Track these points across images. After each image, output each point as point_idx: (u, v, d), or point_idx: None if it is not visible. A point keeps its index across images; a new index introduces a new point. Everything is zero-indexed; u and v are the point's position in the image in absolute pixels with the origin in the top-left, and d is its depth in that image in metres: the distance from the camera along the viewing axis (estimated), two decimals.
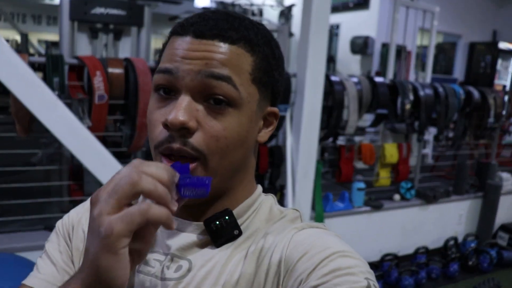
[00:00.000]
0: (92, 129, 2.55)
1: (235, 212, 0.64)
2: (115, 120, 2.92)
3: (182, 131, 0.56)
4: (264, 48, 0.62)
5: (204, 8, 8.50)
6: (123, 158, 3.08)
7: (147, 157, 3.23)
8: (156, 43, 13.68)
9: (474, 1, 8.21)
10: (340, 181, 3.67)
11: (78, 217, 0.75)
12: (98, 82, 2.55)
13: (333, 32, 8.11)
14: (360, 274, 0.53)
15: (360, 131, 4.45)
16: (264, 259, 0.59)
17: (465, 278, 3.85)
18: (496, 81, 8.33)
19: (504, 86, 8.24)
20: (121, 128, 2.85)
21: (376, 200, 3.78)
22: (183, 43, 0.58)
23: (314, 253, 0.55)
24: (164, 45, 0.64)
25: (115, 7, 3.12)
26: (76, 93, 2.66)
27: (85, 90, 2.71)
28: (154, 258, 0.64)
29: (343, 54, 7.66)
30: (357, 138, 4.33)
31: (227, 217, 0.63)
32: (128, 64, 2.69)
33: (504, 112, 4.62)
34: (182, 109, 0.56)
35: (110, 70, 2.62)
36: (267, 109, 0.65)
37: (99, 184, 2.90)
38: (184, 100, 0.57)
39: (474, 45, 8.49)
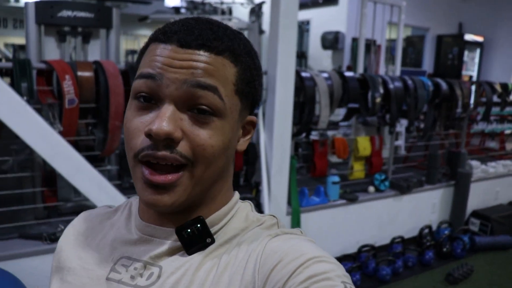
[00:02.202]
0: (63, 133, 2.52)
1: (209, 220, 0.64)
2: (87, 124, 2.89)
3: (167, 141, 0.55)
4: (247, 58, 0.61)
5: (176, 9, 8.46)
6: (96, 162, 3.05)
7: (121, 160, 3.21)
8: (127, 44, 13.56)
9: None
10: (315, 176, 3.71)
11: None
12: (68, 86, 2.52)
13: (304, 28, 8.17)
14: (336, 278, 0.53)
15: (333, 125, 4.52)
16: (237, 269, 0.58)
17: (440, 264, 3.95)
18: (464, 72, 8.51)
19: (471, 77, 8.43)
20: (93, 131, 2.83)
21: (351, 193, 3.83)
22: (166, 51, 0.56)
23: (289, 260, 0.55)
24: (143, 51, 0.62)
25: (82, 9, 3.07)
26: (46, 98, 2.62)
27: (55, 95, 2.68)
28: (122, 264, 0.64)
29: (314, 49, 7.72)
30: (330, 133, 4.37)
31: (198, 225, 0.62)
32: (97, 67, 2.67)
33: (471, 102, 4.75)
34: (167, 119, 0.54)
35: (80, 73, 2.59)
36: (246, 118, 0.65)
37: (73, 189, 2.87)
38: (169, 109, 0.55)
39: (441, 37, 8.66)
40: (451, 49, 8.54)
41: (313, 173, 3.66)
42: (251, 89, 0.62)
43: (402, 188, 4.12)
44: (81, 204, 2.94)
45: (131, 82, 2.59)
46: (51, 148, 2.39)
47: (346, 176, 4.06)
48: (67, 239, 0.73)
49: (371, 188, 3.98)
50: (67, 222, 2.61)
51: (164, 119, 0.54)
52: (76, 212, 2.93)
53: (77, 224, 0.75)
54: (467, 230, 4.45)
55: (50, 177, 2.84)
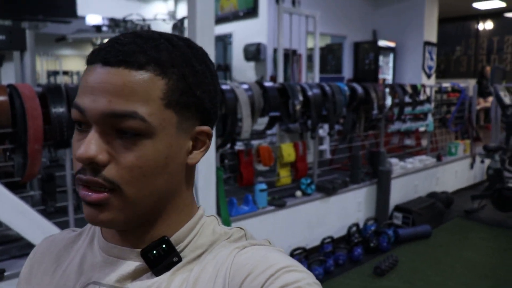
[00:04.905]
0: None
1: (173, 238, 0.62)
2: (4, 150, 2.80)
3: (92, 165, 0.56)
4: (181, 67, 0.58)
5: (97, 28, 8.28)
6: (18, 188, 2.96)
7: (43, 185, 3.14)
8: (48, 65, 13.08)
9: (354, 4, 8.85)
10: (242, 185, 3.80)
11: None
12: None
13: (227, 41, 8.32)
14: (307, 286, 0.53)
15: (259, 134, 4.64)
16: (207, 284, 0.58)
17: (368, 259, 4.16)
18: (380, 76, 9.02)
19: (384, 80, 8.95)
20: (12, 157, 2.74)
21: (280, 199, 3.95)
22: (92, 74, 0.56)
23: (258, 272, 0.55)
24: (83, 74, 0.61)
25: None
26: None
27: None
28: None
29: (238, 61, 7.88)
30: (256, 142, 4.49)
31: (164, 246, 0.61)
32: (12, 90, 2.61)
33: (388, 103, 5.05)
34: (91, 144, 0.55)
35: None
36: (195, 130, 0.62)
37: None
38: (94, 135, 0.56)
39: (358, 44, 9.13)
40: (367, 54, 9.02)
41: (241, 182, 3.75)
42: (189, 99, 0.59)
43: (328, 190, 4.30)
44: (4, 234, 2.84)
45: (50, 104, 2.53)
46: None
47: (274, 183, 4.18)
48: (30, 268, 0.72)
49: (298, 193, 4.12)
50: None
51: (88, 144, 0.55)
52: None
53: (41, 251, 0.74)
54: (391, 224, 4.72)
55: None
